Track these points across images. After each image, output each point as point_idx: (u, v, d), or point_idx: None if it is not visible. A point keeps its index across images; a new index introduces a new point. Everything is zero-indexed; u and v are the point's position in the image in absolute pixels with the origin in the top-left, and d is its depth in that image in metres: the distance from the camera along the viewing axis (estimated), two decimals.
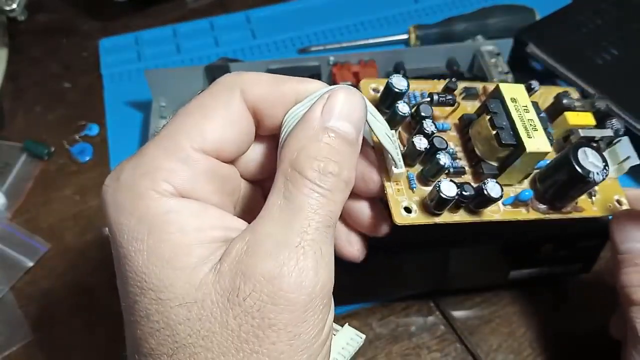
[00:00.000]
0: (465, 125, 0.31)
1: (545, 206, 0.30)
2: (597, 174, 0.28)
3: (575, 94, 0.34)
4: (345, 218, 0.30)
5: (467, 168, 0.30)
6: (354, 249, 0.31)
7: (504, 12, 0.58)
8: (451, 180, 0.27)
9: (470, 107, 0.32)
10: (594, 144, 0.30)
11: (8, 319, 0.43)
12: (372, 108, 0.26)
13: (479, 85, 0.32)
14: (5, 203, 0.49)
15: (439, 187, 0.27)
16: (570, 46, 0.53)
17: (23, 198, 0.50)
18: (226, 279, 0.22)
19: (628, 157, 0.31)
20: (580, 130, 0.31)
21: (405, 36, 0.59)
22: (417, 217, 0.28)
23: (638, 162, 0.31)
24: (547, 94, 0.34)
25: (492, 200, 0.28)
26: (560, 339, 0.41)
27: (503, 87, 0.29)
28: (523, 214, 0.30)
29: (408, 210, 0.28)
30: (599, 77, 0.50)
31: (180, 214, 0.23)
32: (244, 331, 0.21)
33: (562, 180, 0.29)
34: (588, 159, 0.28)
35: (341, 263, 0.36)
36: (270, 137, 0.27)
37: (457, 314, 0.42)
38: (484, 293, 0.43)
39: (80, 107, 0.56)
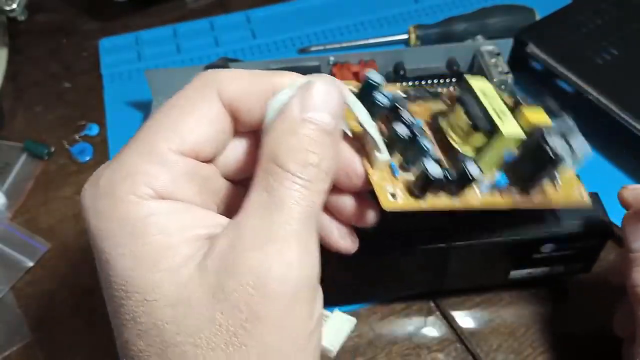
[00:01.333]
0: (435, 122, 0.31)
1: (517, 193, 0.31)
2: (569, 157, 0.29)
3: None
4: (333, 212, 0.30)
5: (444, 159, 0.30)
6: (347, 241, 0.31)
7: (504, 12, 0.58)
8: (435, 161, 0.28)
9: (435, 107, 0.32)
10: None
11: (8, 319, 0.43)
12: (353, 97, 0.27)
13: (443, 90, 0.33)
14: (5, 203, 0.49)
15: (425, 167, 0.27)
16: (570, 46, 0.53)
17: (23, 198, 0.50)
18: (211, 275, 0.22)
19: (580, 148, 0.31)
20: (540, 126, 0.31)
21: (405, 36, 0.59)
22: (403, 203, 0.28)
23: (589, 150, 0.31)
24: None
25: (472, 179, 0.28)
26: (561, 339, 0.41)
27: (471, 79, 0.30)
28: (499, 201, 0.30)
29: (393, 196, 0.28)
30: (599, 77, 0.50)
31: (161, 216, 0.23)
32: (231, 325, 0.21)
33: (535, 161, 0.29)
34: (555, 142, 0.29)
35: (342, 263, 0.36)
36: (249, 134, 0.27)
37: (457, 314, 0.42)
38: (484, 293, 0.43)
39: (80, 107, 0.56)
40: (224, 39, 0.62)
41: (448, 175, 0.28)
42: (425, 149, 0.28)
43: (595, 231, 0.38)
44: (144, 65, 0.59)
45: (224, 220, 0.24)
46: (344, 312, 0.42)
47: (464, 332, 0.41)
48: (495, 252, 0.38)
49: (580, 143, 0.31)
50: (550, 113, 0.32)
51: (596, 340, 0.41)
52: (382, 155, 0.27)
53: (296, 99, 0.24)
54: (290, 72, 0.26)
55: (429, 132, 0.31)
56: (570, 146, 0.30)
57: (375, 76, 0.28)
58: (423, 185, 0.28)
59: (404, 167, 0.29)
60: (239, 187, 0.28)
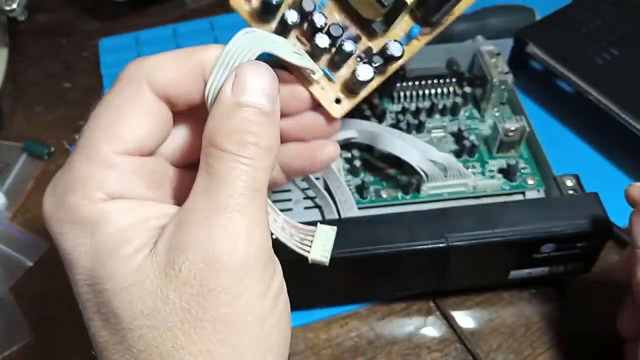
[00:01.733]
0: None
1: (428, 28, 0.32)
2: None
3: None
4: (301, 134, 0.32)
5: (360, 32, 0.32)
6: (327, 149, 0.32)
7: (504, 12, 0.58)
8: (365, 63, 0.30)
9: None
10: None
11: (8, 319, 0.43)
12: (274, 37, 0.28)
13: None
14: (5, 203, 0.49)
15: (357, 75, 0.30)
16: (570, 46, 0.53)
17: (23, 198, 0.50)
18: (161, 256, 0.22)
19: None
20: None
21: None
22: (348, 103, 0.31)
23: None
24: None
25: (397, 58, 0.31)
26: (561, 339, 0.41)
27: None
28: (416, 44, 0.32)
29: (338, 101, 0.31)
30: (599, 77, 0.50)
31: (115, 213, 0.23)
32: (185, 301, 0.22)
33: None
34: None
35: (342, 263, 0.36)
36: (188, 116, 0.28)
37: (457, 314, 0.42)
38: (484, 293, 0.43)
39: (80, 107, 0.56)
40: (223, 38, 0.61)
41: (376, 66, 0.30)
42: (349, 51, 0.30)
43: (595, 231, 0.38)
44: None
45: (175, 209, 0.25)
46: (344, 312, 0.42)
47: (464, 332, 0.41)
48: (495, 252, 0.38)
49: None
50: None
51: (596, 340, 0.41)
52: (316, 75, 0.30)
53: (228, 84, 0.24)
54: (213, 45, 0.26)
55: (336, 6, 0.31)
56: None
57: None
58: (358, 85, 0.30)
59: (334, 66, 0.31)
60: (191, 172, 0.29)
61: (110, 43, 0.61)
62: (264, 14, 0.30)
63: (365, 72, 0.30)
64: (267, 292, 0.23)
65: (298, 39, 0.31)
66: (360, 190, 0.42)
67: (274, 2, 0.29)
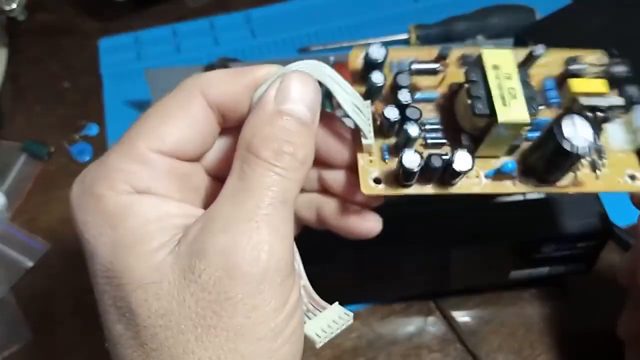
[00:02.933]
0: (453, 94, 0.29)
1: (534, 179, 0.28)
2: (583, 147, 0.26)
3: (592, 57, 0.31)
4: (331, 187, 0.30)
5: (448, 140, 0.29)
6: (370, 222, 0.30)
7: (504, 12, 0.58)
8: (416, 151, 0.26)
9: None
10: (598, 114, 0.28)
11: (8, 319, 0.43)
12: (339, 79, 0.26)
13: (478, 52, 0.30)
14: (5, 203, 0.49)
15: (401, 157, 0.26)
16: (570, 46, 0.53)
17: (23, 198, 0.50)
18: (183, 258, 0.22)
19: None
20: (582, 99, 0.28)
21: (405, 36, 0.59)
22: (385, 189, 0.28)
23: None
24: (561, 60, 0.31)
25: (460, 172, 0.27)
26: (561, 339, 0.41)
27: (485, 53, 0.27)
28: (508, 187, 0.28)
29: (378, 181, 0.28)
30: None
31: (140, 206, 0.23)
32: (201, 307, 0.22)
33: (548, 152, 0.27)
34: (576, 129, 0.26)
35: (342, 263, 0.36)
36: (234, 131, 0.27)
37: (458, 314, 0.42)
38: (484, 293, 0.43)
39: (80, 107, 0.56)
40: (223, 38, 0.61)
41: (431, 165, 0.26)
42: (410, 135, 0.27)
43: (595, 231, 0.38)
44: (144, 65, 0.59)
45: (201, 212, 0.25)
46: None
47: (464, 332, 0.41)
48: (495, 253, 0.38)
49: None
50: (617, 81, 0.29)
51: (596, 340, 0.41)
52: (366, 140, 0.27)
53: (272, 90, 0.24)
54: (271, 65, 0.26)
55: (444, 105, 0.29)
56: (619, 125, 0.28)
57: (374, 52, 0.27)
58: (403, 174, 0.27)
59: (395, 151, 0.28)
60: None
61: (110, 43, 0.61)
62: (364, 68, 0.28)
63: (410, 159, 0.26)
64: (283, 306, 0.23)
65: (376, 107, 0.28)
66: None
67: (373, 59, 0.27)
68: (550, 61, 0.31)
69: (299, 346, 0.25)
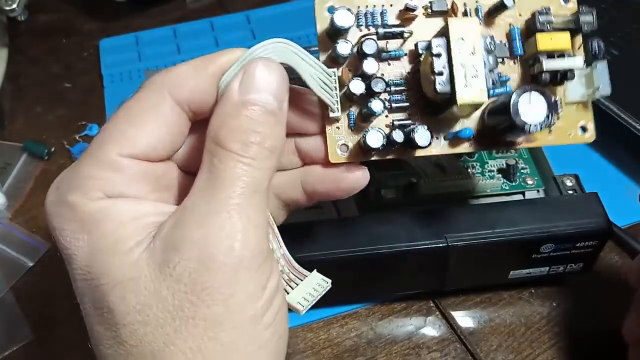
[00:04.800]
0: (417, 55, 0.29)
1: (489, 140, 0.29)
2: (535, 125, 0.27)
3: (565, 8, 0.31)
4: (310, 155, 0.30)
5: (411, 102, 0.29)
6: (356, 172, 0.29)
7: None
8: (379, 130, 0.27)
9: (435, 26, 0.29)
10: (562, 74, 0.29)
11: (8, 319, 0.43)
12: (304, 54, 0.26)
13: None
14: (5, 203, 0.49)
15: (365, 137, 0.27)
16: None
17: (23, 198, 0.50)
18: (158, 253, 0.23)
19: (599, 87, 0.29)
20: (544, 62, 0.28)
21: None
22: (351, 156, 0.29)
23: (608, 93, 0.29)
24: (530, 8, 0.30)
25: (420, 148, 0.28)
26: (560, 339, 0.41)
27: (452, 24, 0.27)
28: (465, 147, 0.29)
29: (345, 148, 0.29)
30: None
31: (114, 210, 0.24)
32: (177, 299, 0.22)
33: (502, 123, 0.28)
34: (532, 104, 0.27)
35: (342, 263, 0.36)
36: (204, 123, 0.27)
37: (457, 313, 0.42)
38: (484, 293, 0.43)
39: (81, 107, 0.56)
40: (224, 39, 0.62)
41: (393, 140, 0.28)
42: (374, 111, 0.27)
43: (595, 231, 0.38)
44: (144, 65, 0.59)
45: (175, 208, 0.25)
46: (344, 311, 0.42)
47: (464, 331, 0.41)
48: (494, 253, 0.38)
49: (601, 74, 0.29)
50: (593, 55, 0.29)
51: (596, 339, 0.41)
52: (333, 114, 0.28)
53: (236, 81, 0.24)
54: (234, 49, 0.26)
55: (408, 64, 0.29)
56: (580, 78, 0.29)
57: (341, 18, 0.27)
58: (366, 147, 0.28)
59: (362, 118, 0.29)
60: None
61: (111, 43, 0.61)
62: (330, 34, 0.28)
63: (374, 139, 0.27)
64: (261, 292, 0.23)
65: (342, 74, 0.28)
66: (360, 190, 0.42)
67: (339, 26, 0.27)
68: (518, 10, 0.30)
69: (282, 331, 0.25)
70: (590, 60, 0.29)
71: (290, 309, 0.27)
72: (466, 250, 0.37)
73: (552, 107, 0.27)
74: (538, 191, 0.43)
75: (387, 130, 0.29)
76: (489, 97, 0.28)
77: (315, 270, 0.29)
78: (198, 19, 0.63)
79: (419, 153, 0.29)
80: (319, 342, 0.41)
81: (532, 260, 0.39)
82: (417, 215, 0.39)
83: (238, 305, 0.22)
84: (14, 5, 0.54)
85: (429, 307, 0.43)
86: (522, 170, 0.43)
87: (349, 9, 0.27)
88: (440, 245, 0.37)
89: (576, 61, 0.29)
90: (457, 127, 0.29)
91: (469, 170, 0.43)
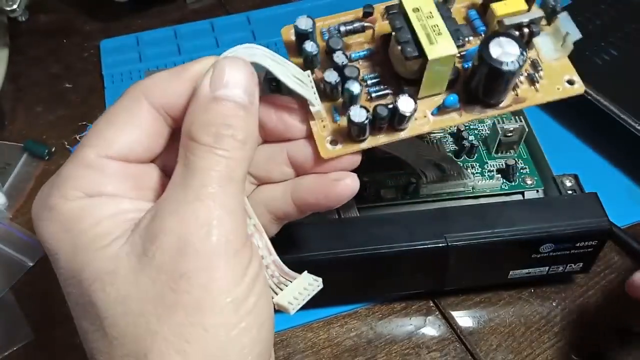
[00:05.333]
0: (385, 45, 0.30)
1: (478, 106, 0.29)
2: (512, 62, 0.27)
3: None
4: (300, 161, 0.30)
5: (390, 90, 0.30)
6: (346, 180, 0.29)
7: None
8: (361, 106, 0.28)
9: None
10: (524, 30, 0.29)
11: (8, 319, 0.43)
12: (274, 55, 0.27)
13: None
14: (5, 203, 0.49)
15: (349, 115, 0.27)
16: None
17: (24, 198, 0.50)
18: (136, 245, 0.23)
19: (568, 34, 0.29)
20: (505, 19, 0.29)
21: None
22: (342, 148, 0.29)
23: (579, 37, 0.29)
24: None
25: (406, 116, 0.28)
26: (560, 339, 0.41)
27: (405, 0, 0.28)
28: (455, 119, 0.29)
29: (334, 142, 0.29)
30: (599, 77, 0.50)
31: (93, 208, 0.24)
32: (157, 287, 0.22)
33: (482, 77, 0.28)
34: (503, 48, 0.27)
35: (342, 263, 0.36)
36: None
37: (457, 313, 0.42)
38: (483, 293, 0.43)
39: (81, 107, 0.56)
40: (224, 40, 0.62)
41: (379, 114, 0.28)
42: (353, 92, 0.28)
43: (595, 231, 0.38)
44: (145, 66, 0.59)
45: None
46: (344, 311, 0.42)
47: (464, 331, 0.41)
48: (494, 252, 0.38)
49: (566, 24, 0.29)
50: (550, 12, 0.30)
51: (596, 339, 0.41)
52: (314, 107, 0.28)
53: (206, 79, 0.25)
54: (208, 57, 0.27)
55: (380, 59, 0.30)
56: (549, 36, 0.29)
57: (302, 23, 0.28)
58: (355, 130, 0.28)
59: (344, 110, 0.29)
60: None
61: (111, 44, 0.62)
62: (297, 42, 0.30)
63: (357, 114, 0.27)
64: (241, 277, 0.23)
65: (316, 75, 0.29)
66: (360, 190, 0.42)
67: (301, 30, 0.28)
68: None
69: (265, 316, 0.25)
70: (550, 16, 0.30)
71: (280, 310, 0.27)
72: (466, 250, 0.37)
73: (523, 45, 0.27)
74: (537, 191, 0.43)
75: (370, 107, 0.29)
76: (464, 59, 0.29)
77: (305, 271, 0.29)
78: (198, 20, 0.63)
79: (409, 133, 0.29)
80: (319, 341, 0.41)
81: (532, 260, 0.39)
82: (417, 215, 0.39)
83: (218, 290, 0.23)
84: (15, 6, 0.54)
85: (428, 307, 0.43)
86: (521, 171, 0.43)
87: (308, 16, 0.29)
88: (440, 245, 0.37)
89: (536, 12, 0.29)
90: (440, 100, 0.30)
91: (469, 170, 0.43)
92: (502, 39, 0.27)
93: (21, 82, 0.59)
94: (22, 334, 0.42)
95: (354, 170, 0.29)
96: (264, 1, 0.65)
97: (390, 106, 0.28)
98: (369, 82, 0.30)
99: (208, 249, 0.23)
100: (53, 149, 0.53)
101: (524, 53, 0.27)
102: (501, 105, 0.30)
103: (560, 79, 0.30)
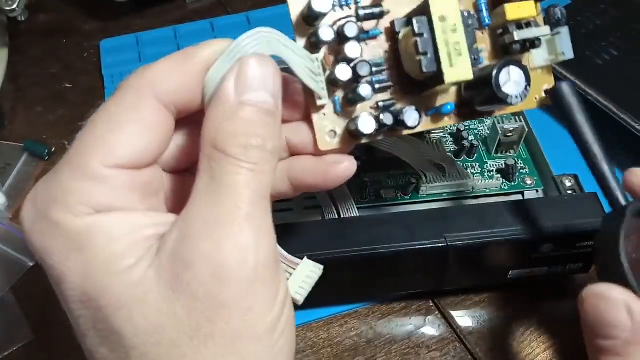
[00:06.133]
0: (395, 32, 0.29)
1: (469, 111, 0.30)
2: (516, 97, 0.28)
3: None
4: (297, 143, 0.29)
5: (393, 80, 0.29)
6: (344, 162, 0.29)
7: None
8: (370, 114, 0.28)
9: (407, 1, 0.29)
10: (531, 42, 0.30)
11: (8, 319, 0.43)
12: (290, 43, 0.26)
13: None
14: (5, 203, 0.49)
15: (357, 124, 0.27)
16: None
17: (23, 198, 0.49)
18: (166, 271, 0.21)
19: (563, 53, 0.30)
20: (515, 33, 0.29)
21: None
22: (340, 142, 0.28)
23: (571, 57, 0.30)
24: None
25: (412, 128, 0.28)
26: (560, 339, 0.41)
27: (433, 2, 0.27)
28: (445, 121, 0.30)
29: (333, 134, 0.28)
30: (599, 77, 0.50)
31: (105, 225, 0.22)
32: (194, 318, 0.21)
33: (484, 95, 0.29)
34: (511, 78, 0.28)
35: (342, 263, 0.36)
36: (185, 122, 0.26)
37: (457, 313, 0.42)
38: (483, 293, 0.43)
39: (81, 107, 0.56)
40: None
41: (383, 123, 0.28)
42: (363, 96, 0.27)
43: (595, 231, 0.38)
44: None
45: (170, 217, 0.24)
46: (344, 311, 0.42)
47: (463, 331, 0.41)
48: (494, 252, 0.38)
49: (563, 41, 0.30)
50: (554, 22, 0.30)
51: None
52: (321, 101, 0.27)
53: (230, 81, 0.23)
54: (217, 40, 0.24)
55: (385, 42, 0.29)
56: (544, 44, 0.30)
57: (319, 3, 0.26)
58: (358, 134, 0.28)
59: (347, 102, 0.28)
60: (183, 176, 0.28)
61: (111, 44, 0.61)
62: (307, 17, 0.27)
63: (366, 124, 0.27)
64: (275, 299, 0.23)
65: (325, 59, 0.28)
66: (360, 190, 0.42)
67: (318, 10, 0.26)
68: None
69: (294, 334, 0.24)
70: (552, 27, 0.30)
71: None
72: (466, 250, 0.37)
73: (528, 79, 0.28)
74: (537, 191, 0.43)
75: (374, 113, 0.29)
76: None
77: (305, 257, 0.28)
78: (198, 20, 0.63)
79: (406, 132, 0.29)
80: (319, 341, 0.41)
81: (532, 260, 0.39)
82: (417, 215, 0.39)
83: (256, 317, 0.22)
84: (14, 6, 0.54)
85: (428, 306, 0.43)
86: (521, 171, 0.43)
87: None
88: (440, 245, 0.37)
89: (544, 30, 0.30)
90: (438, 103, 0.30)
91: (469, 170, 0.43)
92: (513, 69, 0.28)
93: (21, 82, 0.59)
94: (22, 334, 0.42)
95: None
96: (264, 1, 0.65)
97: (395, 112, 0.28)
98: (374, 68, 0.28)
99: (246, 275, 0.21)
100: (53, 149, 0.53)
101: (528, 88, 0.28)
102: (486, 113, 0.31)
103: (540, 89, 0.31)
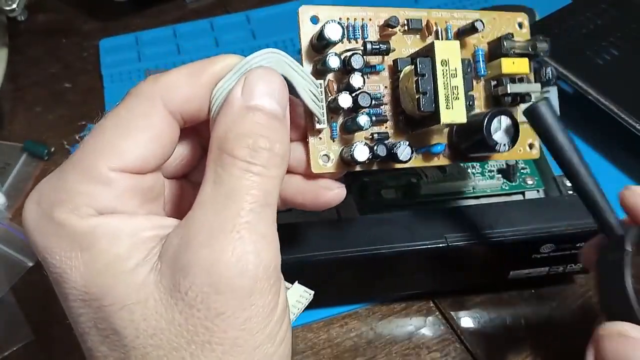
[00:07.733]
0: (397, 70, 0.31)
1: (458, 154, 0.32)
2: (504, 145, 0.30)
3: (520, 33, 0.34)
4: (291, 164, 0.29)
5: (389, 115, 0.31)
6: (334, 189, 0.29)
7: None
8: (366, 144, 0.29)
9: (410, 42, 0.31)
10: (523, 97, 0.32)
11: (8, 319, 0.43)
12: (296, 65, 0.26)
13: (423, 15, 0.31)
14: (5, 203, 0.49)
15: (352, 152, 0.28)
16: (570, 46, 0.53)
17: (23, 198, 0.50)
18: (166, 276, 0.22)
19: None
20: (509, 86, 0.31)
21: None
22: (333, 167, 0.30)
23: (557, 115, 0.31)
24: (495, 29, 0.34)
25: (401, 162, 0.30)
26: (560, 339, 0.41)
27: (438, 45, 0.29)
28: (434, 161, 0.32)
29: (327, 158, 0.29)
30: (599, 77, 0.50)
31: (108, 227, 0.22)
32: (191, 324, 0.21)
33: (475, 141, 0.31)
34: (501, 127, 0.30)
35: (342, 263, 0.36)
36: (189, 130, 0.26)
37: (457, 313, 0.42)
38: (483, 293, 0.43)
39: (80, 107, 0.56)
40: (224, 39, 0.61)
41: (377, 154, 0.29)
42: (361, 126, 0.28)
43: (595, 231, 0.38)
44: (144, 65, 0.59)
45: (171, 221, 0.24)
46: (344, 312, 0.42)
47: (464, 332, 0.41)
48: (494, 253, 0.38)
49: (551, 99, 0.32)
50: (544, 81, 0.32)
51: None
52: (321, 125, 0.29)
53: (238, 88, 0.23)
54: (228, 55, 0.25)
55: (387, 78, 0.31)
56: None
57: (332, 31, 0.28)
58: (352, 162, 0.29)
59: (344, 130, 0.30)
60: (181, 182, 0.28)
61: (111, 43, 0.61)
62: (317, 44, 0.29)
63: (361, 152, 0.28)
64: (275, 308, 0.23)
65: (328, 85, 0.29)
66: (360, 190, 0.42)
67: (329, 38, 0.28)
68: (485, 33, 0.33)
69: (291, 340, 0.24)
70: (542, 85, 0.33)
71: None
72: (466, 250, 0.37)
73: (517, 131, 0.31)
74: (538, 191, 0.43)
75: (369, 143, 0.30)
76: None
77: (296, 281, 0.29)
78: (198, 19, 0.63)
79: (398, 165, 0.30)
80: (319, 342, 0.41)
81: (532, 260, 0.39)
82: (417, 215, 0.39)
83: (255, 327, 0.22)
84: (14, 5, 0.54)
85: (428, 307, 0.43)
86: (522, 171, 0.43)
87: (339, 22, 0.28)
88: (440, 245, 0.37)
89: (535, 87, 0.32)
90: (430, 142, 0.32)
91: (469, 170, 0.43)
92: (504, 119, 0.30)
93: (20, 82, 0.59)
94: (22, 334, 0.42)
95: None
96: (264, 0, 0.65)
97: (389, 144, 0.30)
98: (373, 102, 0.29)
99: (244, 285, 0.21)
100: (52, 149, 0.53)
101: (517, 138, 0.31)
102: (473, 158, 0.33)
103: (525, 142, 0.34)
